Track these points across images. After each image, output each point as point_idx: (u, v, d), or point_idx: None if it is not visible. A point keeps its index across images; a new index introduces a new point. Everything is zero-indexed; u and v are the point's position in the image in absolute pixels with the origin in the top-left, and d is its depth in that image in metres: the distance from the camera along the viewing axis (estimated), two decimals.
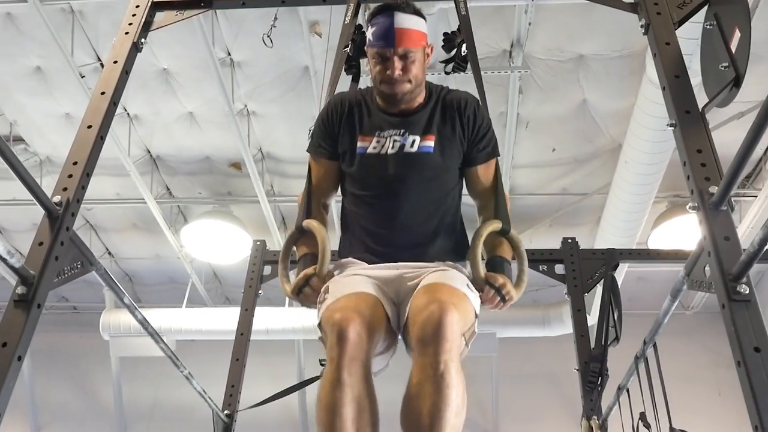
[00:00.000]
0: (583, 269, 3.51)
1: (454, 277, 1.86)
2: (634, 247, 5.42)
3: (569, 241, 3.63)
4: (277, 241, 6.25)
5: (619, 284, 3.54)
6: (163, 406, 7.79)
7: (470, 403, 1.74)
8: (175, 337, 7.07)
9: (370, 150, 1.97)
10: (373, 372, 1.76)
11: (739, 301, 1.51)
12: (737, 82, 1.85)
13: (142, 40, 2.23)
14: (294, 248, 2.03)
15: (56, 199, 1.84)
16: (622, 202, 5.03)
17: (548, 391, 7.19)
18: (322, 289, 1.90)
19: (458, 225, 2.10)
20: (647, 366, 2.42)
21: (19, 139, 5.68)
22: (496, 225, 1.90)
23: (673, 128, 1.87)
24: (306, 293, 1.88)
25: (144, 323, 2.59)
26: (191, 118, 5.49)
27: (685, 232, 5.50)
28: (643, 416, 2.37)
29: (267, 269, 3.68)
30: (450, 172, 2.03)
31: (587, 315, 3.53)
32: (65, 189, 1.88)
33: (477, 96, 2.14)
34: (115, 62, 2.16)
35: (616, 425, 2.93)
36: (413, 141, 1.95)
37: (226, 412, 3.16)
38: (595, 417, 2.94)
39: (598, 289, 3.57)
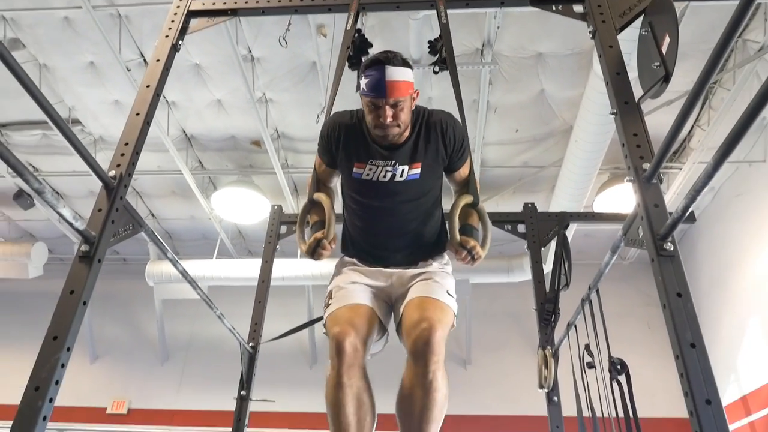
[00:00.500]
0: (540, 228, 3.48)
1: (438, 288, 1.89)
2: (581, 211, 5.45)
3: (529, 205, 3.59)
4: (290, 205, 6.24)
5: (569, 240, 3.55)
6: (198, 339, 7.82)
7: (448, 338, 1.79)
8: (207, 283, 7.09)
9: (364, 176, 1.90)
10: (371, 354, 1.84)
11: (665, 256, 1.53)
12: (666, 78, 1.85)
13: (180, 42, 2.20)
14: (308, 217, 2.03)
15: (111, 173, 1.84)
16: (572, 174, 5.00)
17: (511, 326, 7.26)
18: (327, 294, 1.95)
19: (440, 227, 2.08)
20: (591, 307, 2.43)
21: (76, 122, 5.58)
22: (468, 199, 1.93)
23: (614, 116, 1.87)
24: (318, 252, 1.87)
25: (184, 273, 2.58)
26: (219, 104, 5.40)
27: (623, 197, 5.53)
28: (587, 347, 2.38)
29: (283, 228, 3.63)
30: (433, 190, 2.01)
31: (543, 265, 3.54)
32: (119, 165, 1.88)
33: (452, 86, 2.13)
34: (158, 60, 2.13)
35: (565, 354, 2.97)
36: (402, 171, 1.89)
37: (251, 344, 3.14)
38: (549, 347, 2.97)
39: (553, 244, 3.57)
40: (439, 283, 1.91)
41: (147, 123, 2.00)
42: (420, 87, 4.77)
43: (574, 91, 4.96)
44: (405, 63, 1.84)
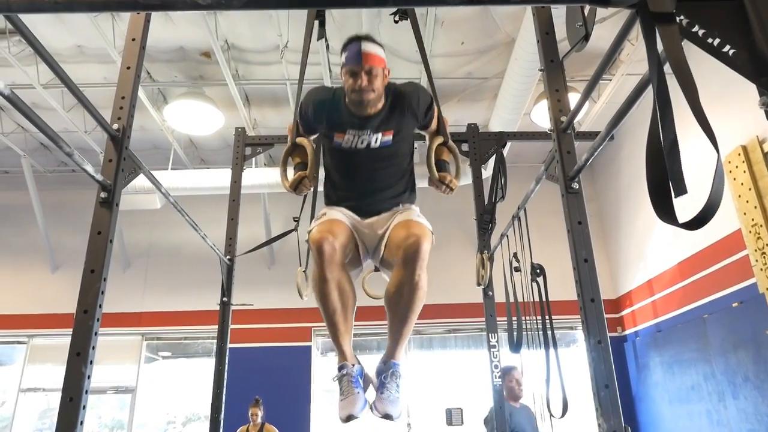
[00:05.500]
0: (481, 146, 3.86)
1: (414, 215, 2.21)
2: (521, 119, 5.93)
3: (472, 125, 3.95)
4: (243, 116, 6.41)
5: (509, 146, 3.83)
6: (158, 247, 8.13)
7: None
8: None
9: (344, 144, 2.21)
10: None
11: (572, 193, 2.02)
12: (587, 36, 2.24)
13: None
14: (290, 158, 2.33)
15: (115, 126, 2.12)
16: (512, 88, 5.39)
17: (453, 225, 7.90)
18: (316, 217, 2.26)
19: (411, 182, 2.40)
20: (520, 221, 2.93)
21: (13, 32, 5.44)
22: (439, 139, 2.29)
23: (542, 72, 2.27)
24: (300, 188, 2.24)
25: (167, 195, 2.84)
26: (166, 15, 5.35)
27: None
28: (515, 255, 2.90)
29: (248, 150, 3.90)
30: (403, 153, 2.30)
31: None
32: (119, 118, 2.14)
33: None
34: (138, 13, 2.32)
35: (498, 257, 3.49)
36: (376, 138, 2.19)
37: (228, 257, 3.52)
38: (486, 251, 3.52)
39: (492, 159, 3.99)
40: (413, 211, 2.28)
41: (138, 76, 2.24)
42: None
43: (517, 6, 5.23)
44: (378, 44, 2.14)
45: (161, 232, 8.13)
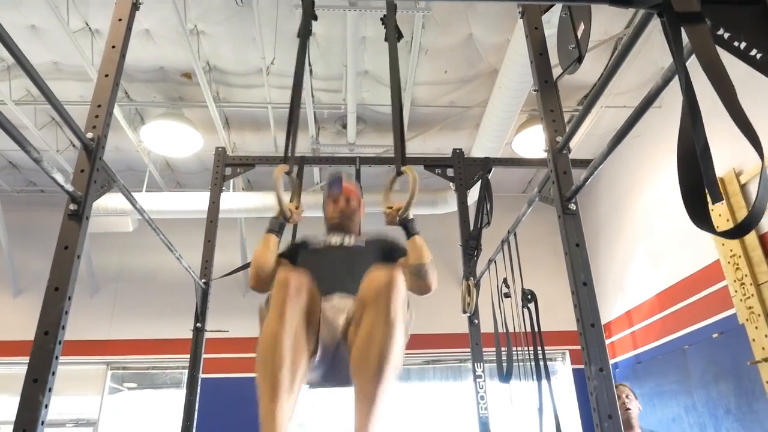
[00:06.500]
0: (466, 172, 3.83)
1: None
2: (503, 148, 5.92)
3: (457, 151, 3.92)
4: (222, 138, 6.28)
5: (493, 173, 3.80)
6: (128, 272, 7.85)
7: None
8: (137, 216, 7.09)
9: (317, 246, 2.41)
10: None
11: (569, 214, 1.94)
12: (580, 59, 2.20)
13: (140, 0, 2.28)
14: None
15: (89, 135, 1.98)
16: (495, 116, 5.39)
17: (435, 253, 7.77)
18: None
19: None
20: (509, 246, 2.85)
21: None
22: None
23: (536, 92, 2.22)
24: (293, 217, 2.31)
25: (141, 211, 2.73)
26: (147, 34, 5.26)
27: (538, 137, 6.03)
28: (504, 280, 2.82)
29: (228, 170, 3.80)
30: (374, 260, 2.22)
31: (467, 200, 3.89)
32: (94, 127, 2.01)
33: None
34: (120, 20, 2.22)
35: (485, 284, 3.40)
36: (350, 240, 2.42)
37: (203, 280, 3.37)
38: (472, 278, 3.43)
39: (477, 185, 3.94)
40: None
41: (116, 84, 2.12)
42: (356, 27, 4.90)
43: (500, 36, 5.27)
44: (355, 183, 2.63)
45: (133, 257, 7.85)
